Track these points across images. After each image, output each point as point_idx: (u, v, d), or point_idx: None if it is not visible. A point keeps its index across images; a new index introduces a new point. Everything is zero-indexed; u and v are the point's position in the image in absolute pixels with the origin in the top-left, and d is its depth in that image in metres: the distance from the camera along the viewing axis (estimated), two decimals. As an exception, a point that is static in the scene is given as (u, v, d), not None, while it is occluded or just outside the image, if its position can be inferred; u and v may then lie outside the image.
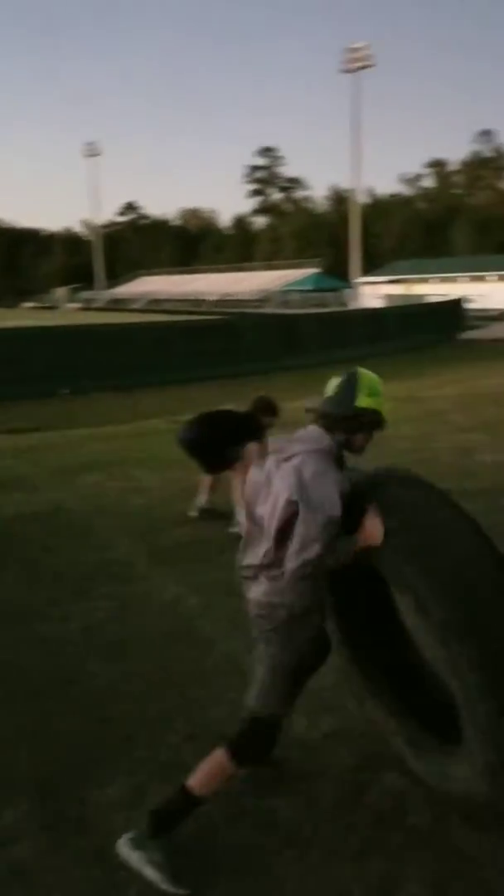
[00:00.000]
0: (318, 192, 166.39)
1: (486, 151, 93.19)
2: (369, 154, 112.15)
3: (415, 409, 11.68)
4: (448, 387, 14.40)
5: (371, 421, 2.69)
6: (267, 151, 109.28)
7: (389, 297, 49.24)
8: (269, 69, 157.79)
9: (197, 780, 2.54)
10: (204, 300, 64.61)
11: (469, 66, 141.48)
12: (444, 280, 57.94)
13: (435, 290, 51.37)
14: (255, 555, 2.60)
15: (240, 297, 68.17)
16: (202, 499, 6.34)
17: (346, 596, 2.93)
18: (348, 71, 55.77)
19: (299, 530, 2.40)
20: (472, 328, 30.31)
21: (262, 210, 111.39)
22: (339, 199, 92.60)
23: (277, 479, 2.57)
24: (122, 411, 12.79)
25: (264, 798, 2.83)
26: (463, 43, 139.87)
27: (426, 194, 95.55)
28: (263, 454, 2.99)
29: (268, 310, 47.18)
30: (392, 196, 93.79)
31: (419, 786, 2.84)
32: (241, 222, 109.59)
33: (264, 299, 63.57)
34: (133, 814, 2.75)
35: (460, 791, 2.53)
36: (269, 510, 2.56)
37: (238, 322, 23.41)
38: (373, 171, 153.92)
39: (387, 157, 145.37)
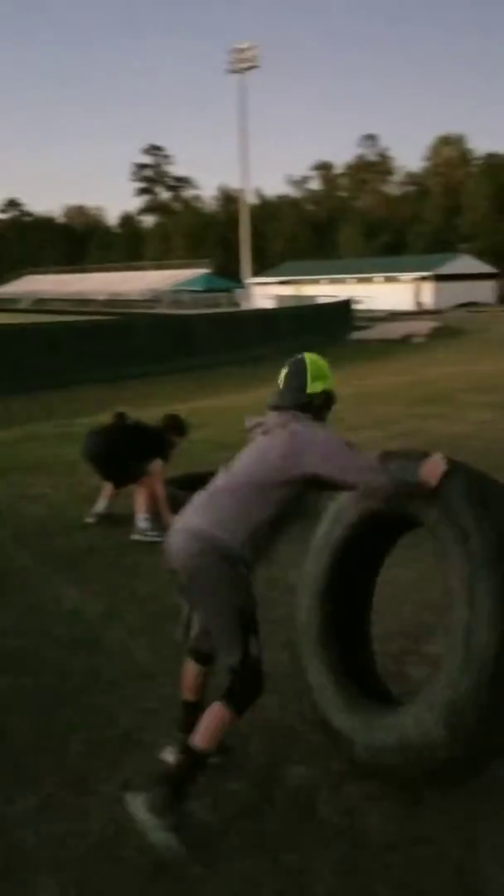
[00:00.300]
0: (207, 191, 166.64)
1: (371, 155, 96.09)
2: (258, 155, 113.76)
3: (308, 408, 11.90)
4: (339, 386, 14.72)
5: (324, 402, 2.90)
6: (154, 149, 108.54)
7: (280, 297, 49.93)
8: (158, 66, 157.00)
9: (200, 736, 2.57)
10: (92, 300, 63.49)
11: (354, 69, 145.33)
12: (332, 281, 59.39)
13: (324, 291, 52.52)
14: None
15: (129, 297, 67.42)
16: (101, 504, 6.23)
17: (353, 542, 3.07)
18: (235, 71, 56.13)
19: (348, 475, 2.60)
20: (360, 328, 31.21)
21: (150, 209, 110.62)
22: (228, 200, 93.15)
23: (265, 440, 2.73)
24: (8, 416, 12.40)
25: (176, 801, 2.83)
26: (348, 47, 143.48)
27: (313, 196, 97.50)
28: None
29: (159, 310, 46.88)
30: (280, 197, 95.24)
31: (329, 778, 2.92)
32: (129, 221, 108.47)
33: (155, 299, 63.11)
34: (42, 826, 2.69)
35: (393, 752, 2.61)
36: (239, 470, 2.72)
37: (129, 322, 23.19)
38: (261, 171, 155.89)
39: (275, 158, 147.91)
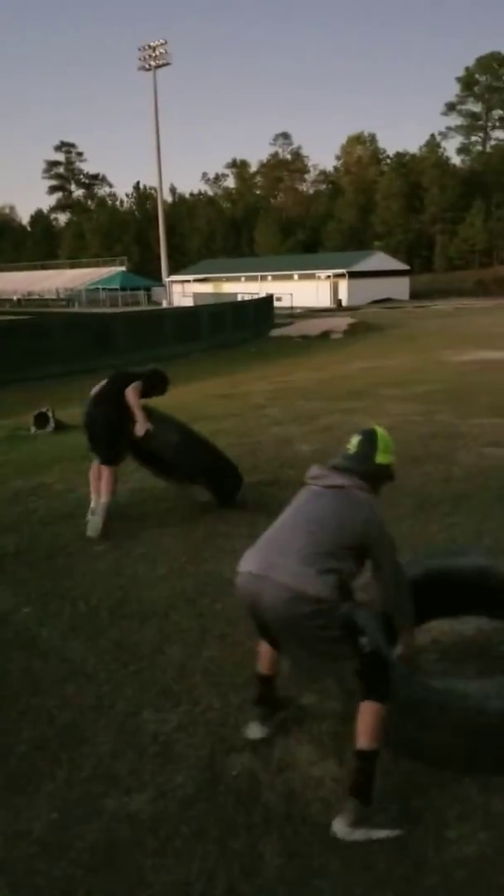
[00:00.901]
0: (122, 189, 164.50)
1: (285, 154, 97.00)
2: (173, 153, 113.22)
3: (234, 405, 11.99)
4: (262, 382, 14.89)
5: (387, 475, 3.14)
6: (67, 146, 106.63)
7: (199, 295, 49.93)
8: (71, 62, 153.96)
9: (365, 737, 2.65)
10: (6, 300, 61.93)
11: (266, 68, 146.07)
12: (250, 279, 59.69)
13: (243, 288, 52.82)
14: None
15: (44, 296, 66.05)
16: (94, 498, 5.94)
17: None
18: (146, 68, 55.71)
19: (385, 558, 2.90)
20: (281, 325, 31.52)
21: (63, 206, 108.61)
22: (144, 197, 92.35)
23: (338, 503, 2.89)
24: None
25: (121, 797, 2.84)
26: (260, 46, 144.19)
27: (229, 194, 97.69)
28: None
29: (76, 309, 46.11)
30: (196, 195, 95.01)
31: (271, 766, 2.98)
32: (41, 219, 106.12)
33: (71, 298, 62.05)
34: (-15, 834, 2.66)
35: None
36: (327, 524, 2.83)
37: (45, 322, 22.74)
38: (177, 169, 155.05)
39: (190, 155, 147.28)
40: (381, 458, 3.08)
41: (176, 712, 3.36)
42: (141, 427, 5.77)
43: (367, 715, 2.67)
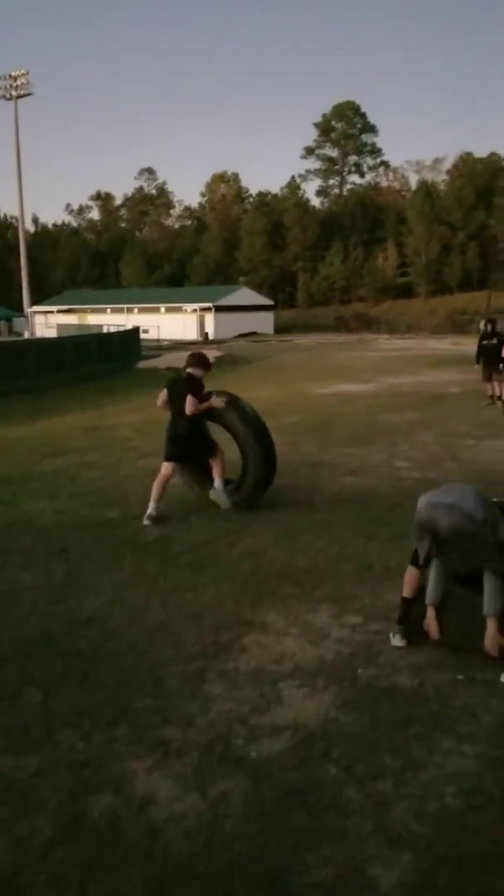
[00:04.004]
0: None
1: (150, 188, 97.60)
2: (35, 183, 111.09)
3: (100, 437, 11.82)
4: (130, 414, 14.78)
5: None
6: None
7: (62, 326, 49.03)
8: None
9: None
10: None
11: (131, 102, 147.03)
12: (116, 310, 59.36)
13: (109, 320, 52.42)
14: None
15: None
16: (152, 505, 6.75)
17: None
18: (6, 98, 54.75)
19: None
20: (148, 357, 31.46)
21: None
22: (4, 226, 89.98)
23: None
24: None
25: (-24, 851, 2.71)
26: (124, 80, 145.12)
27: (94, 226, 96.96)
28: None
29: None
30: (59, 226, 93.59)
31: (133, 803, 2.94)
32: None
33: None
34: None
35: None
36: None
37: None
38: (39, 199, 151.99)
39: (53, 186, 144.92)
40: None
41: (36, 756, 3.25)
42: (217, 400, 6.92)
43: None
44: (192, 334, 56.03)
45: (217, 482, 7.01)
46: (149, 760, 3.20)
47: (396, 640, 4.23)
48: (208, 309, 58.06)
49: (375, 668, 3.97)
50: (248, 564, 5.57)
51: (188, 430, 6.91)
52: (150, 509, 6.72)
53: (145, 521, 6.65)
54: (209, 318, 57.89)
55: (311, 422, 12.71)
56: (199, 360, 7.20)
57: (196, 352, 7.41)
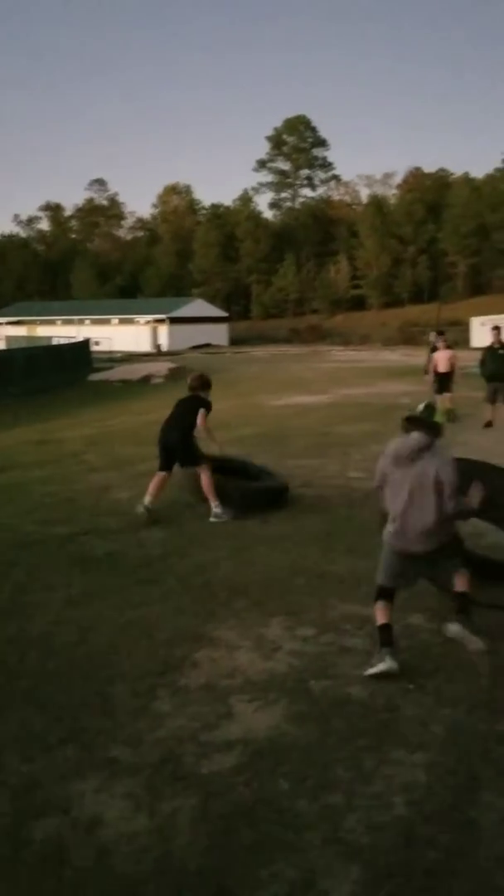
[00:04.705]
0: None
1: (101, 199, 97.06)
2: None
3: (50, 452, 11.66)
4: (81, 428, 14.63)
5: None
6: None
7: (12, 338, 48.30)
8: None
9: (463, 586, 4.31)
10: None
11: (79, 111, 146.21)
12: (67, 322, 58.77)
13: (60, 332, 51.87)
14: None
15: None
16: (148, 498, 7.22)
17: None
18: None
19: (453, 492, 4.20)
20: (100, 370, 31.19)
21: None
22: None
23: (429, 463, 4.21)
24: None
25: None
26: (72, 89, 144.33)
27: (44, 237, 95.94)
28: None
29: None
30: (7, 236, 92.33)
31: (80, 826, 2.87)
32: None
33: None
34: None
35: None
36: (427, 480, 4.18)
37: None
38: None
39: (1, 197, 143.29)
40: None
41: (-22, 781, 3.17)
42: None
43: (466, 578, 4.30)
44: (145, 346, 55.73)
45: (213, 503, 7.15)
46: (96, 781, 3.14)
47: (388, 663, 3.95)
48: (162, 321, 57.87)
49: (327, 679, 3.97)
50: (200, 579, 5.54)
51: (177, 441, 7.42)
52: (147, 502, 7.25)
53: (139, 510, 7.20)
54: (163, 330, 57.68)
55: (266, 434, 12.71)
56: (206, 382, 7.99)
57: (202, 374, 8.15)
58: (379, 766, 3.20)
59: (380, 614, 4.17)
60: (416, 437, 4.30)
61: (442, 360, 14.46)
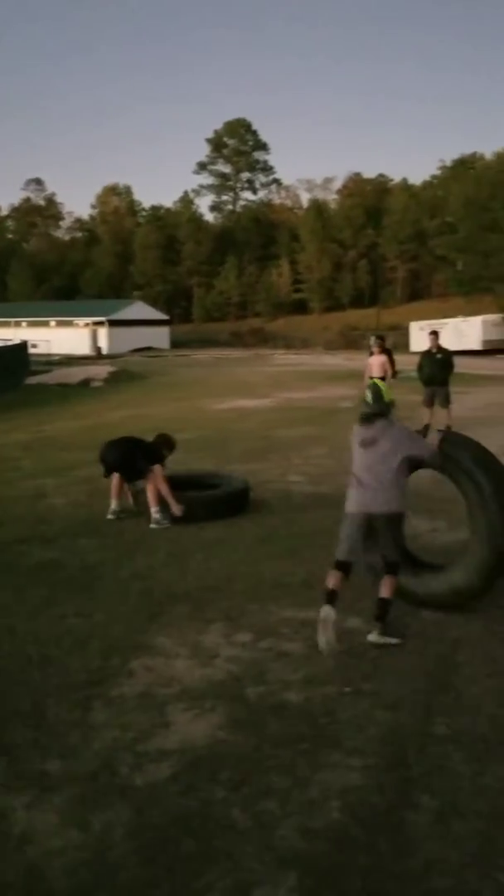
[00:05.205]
0: None
1: (38, 199, 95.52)
2: None
3: (-16, 457, 11.41)
4: (16, 432, 14.35)
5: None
6: None
7: None
8: None
9: (387, 591, 4.55)
10: None
11: (19, 113, 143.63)
12: (2, 324, 57.58)
13: (-5, 334, 50.70)
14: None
15: None
16: (114, 503, 7.38)
17: None
18: None
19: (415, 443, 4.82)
20: (38, 373, 30.63)
21: None
22: None
23: (386, 441, 4.67)
24: None
25: None
26: (10, 89, 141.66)
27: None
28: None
29: None
30: None
31: (9, 841, 2.80)
32: None
33: None
34: None
35: (445, 593, 4.82)
36: (381, 458, 4.64)
37: None
38: None
39: None
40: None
41: None
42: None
43: (392, 583, 4.60)
44: (84, 349, 55.03)
45: (153, 510, 7.13)
46: (27, 796, 3.07)
47: (326, 611, 4.31)
48: (101, 323, 57.24)
49: (264, 685, 3.98)
50: (137, 586, 5.48)
51: (117, 460, 7.48)
52: (113, 505, 7.43)
53: (109, 516, 7.36)
54: (102, 333, 57.05)
55: (207, 438, 12.67)
56: (168, 442, 7.74)
57: (166, 434, 7.94)
58: (315, 771, 3.22)
59: (331, 580, 4.55)
60: (375, 426, 4.75)
61: (375, 365, 14.42)
